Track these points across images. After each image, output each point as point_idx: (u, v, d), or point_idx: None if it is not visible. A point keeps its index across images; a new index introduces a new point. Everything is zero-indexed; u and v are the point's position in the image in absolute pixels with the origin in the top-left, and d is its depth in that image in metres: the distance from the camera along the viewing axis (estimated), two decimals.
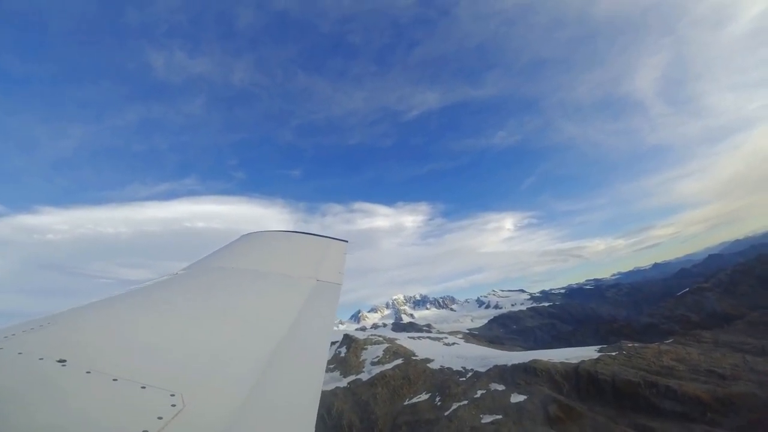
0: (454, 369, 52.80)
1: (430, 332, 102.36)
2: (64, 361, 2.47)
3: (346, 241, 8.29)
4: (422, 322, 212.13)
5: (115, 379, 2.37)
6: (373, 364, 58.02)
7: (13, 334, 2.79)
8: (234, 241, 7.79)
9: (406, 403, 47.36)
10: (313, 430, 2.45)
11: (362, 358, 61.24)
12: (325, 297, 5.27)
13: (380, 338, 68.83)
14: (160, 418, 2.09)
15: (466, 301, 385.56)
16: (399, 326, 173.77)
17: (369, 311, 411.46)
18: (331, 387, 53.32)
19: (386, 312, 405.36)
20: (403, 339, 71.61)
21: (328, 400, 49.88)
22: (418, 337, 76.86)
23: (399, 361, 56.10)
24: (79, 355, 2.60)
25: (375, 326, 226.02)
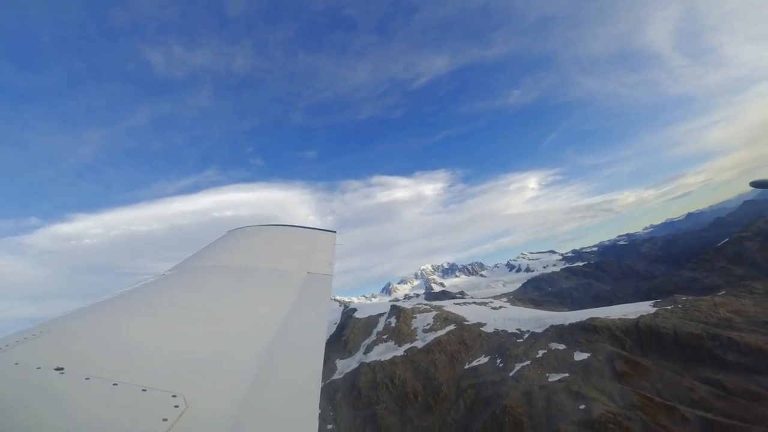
0: (509, 331, 54.58)
1: (464, 299, 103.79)
2: (62, 368, 2.55)
3: (335, 232, 8.55)
4: (453, 290, 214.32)
5: (115, 384, 2.45)
6: (425, 331, 60.32)
7: (8, 345, 2.85)
8: (220, 238, 8.06)
9: (466, 367, 49.58)
10: (317, 419, 2.59)
11: (413, 326, 63.59)
12: (318, 288, 5.48)
13: (427, 306, 71.07)
14: (165, 419, 2.18)
15: (496, 266, 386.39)
16: (431, 295, 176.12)
17: (398, 283, 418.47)
18: (388, 356, 56.06)
19: (416, 282, 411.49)
20: (450, 305, 73.66)
21: (389, 369, 52.61)
22: (463, 303, 78.79)
23: (451, 327, 58.26)
24: (76, 362, 2.68)
25: (407, 297, 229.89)
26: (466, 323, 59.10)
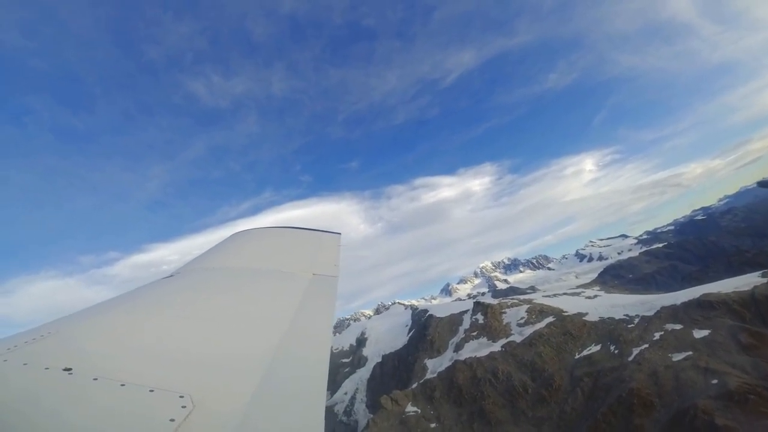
0: (617, 318, 54.48)
1: (535, 294, 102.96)
2: (70, 369, 2.65)
3: (339, 234, 8.93)
4: (521, 286, 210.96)
5: (123, 384, 2.56)
6: (520, 325, 61.31)
7: (16, 346, 2.98)
8: (226, 240, 8.43)
9: (577, 356, 50.23)
10: (323, 420, 2.70)
11: (505, 321, 64.65)
12: (323, 290, 5.70)
13: (516, 301, 71.69)
14: (172, 420, 2.27)
15: (564, 257, 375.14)
16: (498, 293, 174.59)
17: (458, 283, 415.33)
18: (484, 352, 57.60)
19: (477, 281, 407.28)
20: (539, 298, 73.91)
21: (488, 365, 54.13)
22: (554, 295, 78.73)
23: (550, 319, 58.90)
24: (84, 363, 2.79)
25: (470, 296, 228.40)
26: (566, 314, 59.46)
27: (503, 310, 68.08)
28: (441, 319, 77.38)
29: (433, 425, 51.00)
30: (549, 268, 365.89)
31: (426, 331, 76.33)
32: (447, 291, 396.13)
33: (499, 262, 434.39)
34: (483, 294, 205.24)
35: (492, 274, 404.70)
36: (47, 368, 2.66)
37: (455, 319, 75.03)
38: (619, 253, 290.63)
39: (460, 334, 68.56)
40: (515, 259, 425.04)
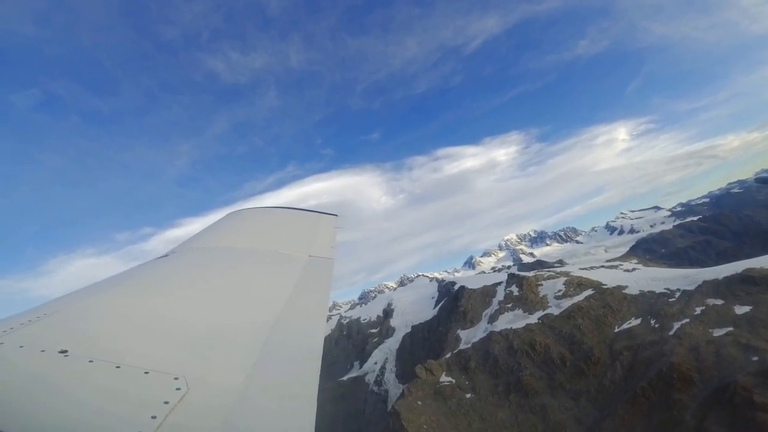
0: (657, 291, 55.63)
1: (564, 267, 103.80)
2: (66, 351, 2.72)
3: (336, 215, 9.12)
4: (549, 260, 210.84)
5: (118, 366, 2.62)
6: (557, 298, 62.81)
7: (12, 328, 3.04)
8: (221, 220, 8.57)
9: (617, 330, 51.60)
10: (315, 401, 2.79)
11: (542, 293, 66.31)
12: (319, 272, 5.82)
13: (553, 273, 73.22)
14: (166, 402, 2.34)
15: (593, 229, 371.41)
16: (524, 266, 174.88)
17: (482, 256, 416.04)
18: (520, 324, 59.37)
19: (501, 254, 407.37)
20: (576, 271, 75.28)
21: (525, 337, 55.93)
22: (591, 268, 79.92)
23: (589, 292, 60.06)
24: (80, 345, 2.86)
25: (494, 269, 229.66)
26: (605, 287, 60.65)
27: (539, 283, 69.30)
28: (473, 290, 79.32)
29: (468, 395, 53.15)
30: (577, 241, 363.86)
31: (458, 302, 78.60)
32: (470, 264, 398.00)
33: (524, 235, 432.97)
34: (508, 267, 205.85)
35: (517, 247, 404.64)
36: (43, 351, 2.74)
37: (488, 291, 76.91)
38: (651, 226, 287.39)
39: (494, 306, 70.27)
40: (542, 232, 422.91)
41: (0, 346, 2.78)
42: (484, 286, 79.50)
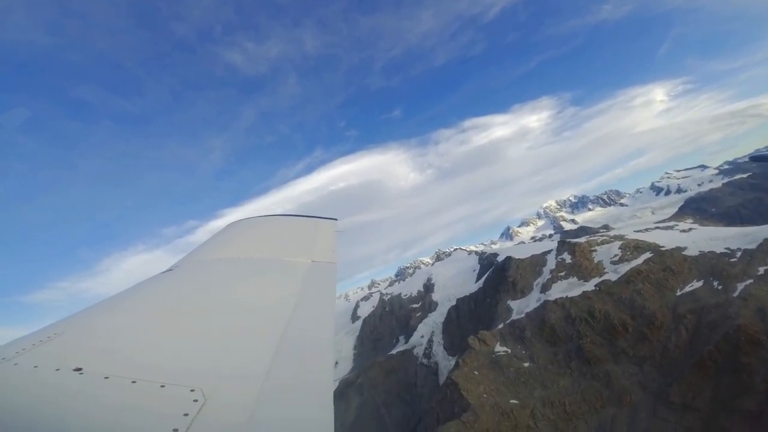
0: (717, 252, 55.76)
1: (616, 231, 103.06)
2: (81, 369, 2.82)
3: (335, 219, 9.53)
4: (593, 225, 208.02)
5: (134, 381, 2.73)
6: (613, 263, 63.43)
7: (24, 348, 3.13)
8: (222, 231, 8.88)
9: (678, 293, 52.33)
10: (332, 406, 2.88)
11: (596, 259, 67.00)
12: (323, 276, 6.05)
13: (606, 237, 73.61)
14: (186, 414, 2.45)
15: (638, 191, 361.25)
16: (567, 234, 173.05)
17: (519, 226, 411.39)
18: (576, 292, 60.49)
19: (540, 223, 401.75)
20: (631, 233, 75.43)
21: (583, 304, 57.11)
22: (645, 230, 79.79)
23: (647, 255, 60.48)
24: (94, 362, 2.95)
25: (534, 239, 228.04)
26: (663, 249, 60.83)
27: (593, 248, 69.93)
28: (521, 260, 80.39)
29: (526, 364, 54.95)
30: (622, 204, 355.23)
31: (505, 273, 79.96)
32: (508, 235, 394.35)
33: (564, 201, 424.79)
34: (550, 236, 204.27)
35: (557, 214, 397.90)
36: (58, 369, 2.81)
37: (538, 260, 77.89)
38: (699, 185, 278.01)
39: (546, 275, 71.36)
40: (583, 197, 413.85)
41: (15, 366, 2.87)
42: (533, 256, 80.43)
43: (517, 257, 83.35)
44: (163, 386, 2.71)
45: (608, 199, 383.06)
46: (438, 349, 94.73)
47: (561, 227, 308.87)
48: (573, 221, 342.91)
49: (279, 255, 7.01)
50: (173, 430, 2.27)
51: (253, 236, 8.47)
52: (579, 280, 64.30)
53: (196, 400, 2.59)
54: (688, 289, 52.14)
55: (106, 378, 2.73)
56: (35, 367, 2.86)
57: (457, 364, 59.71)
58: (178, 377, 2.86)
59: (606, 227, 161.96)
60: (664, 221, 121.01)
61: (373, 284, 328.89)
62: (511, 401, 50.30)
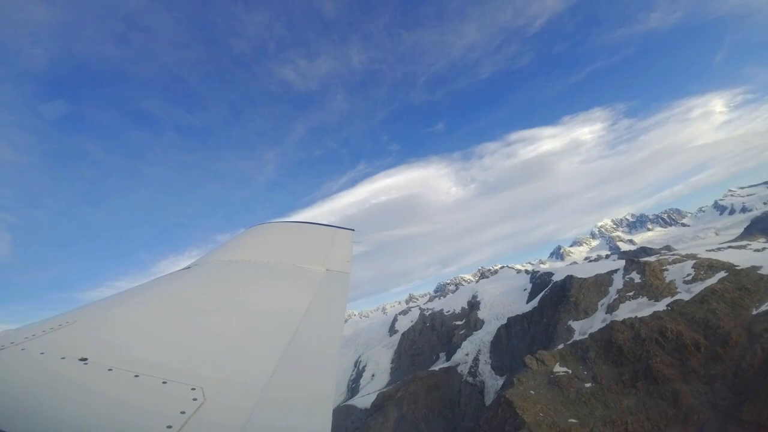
0: None
1: (680, 252, 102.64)
2: (86, 359, 3.01)
3: (353, 230, 9.92)
4: (654, 246, 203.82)
5: (136, 375, 2.91)
6: (686, 282, 64.09)
7: (34, 335, 3.38)
8: (241, 234, 9.39)
9: (755, 312, 53.06)
10: (330, 416, 3.06)
11: (668, 279, 67.69)
12: (336, 286, 6.28)
13: (678, 256, 74.24)
14: (182, 412, 2.57)
15: (701, 210, 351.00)
16: (626, 254, 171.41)
17: (571, 245, 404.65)
18: (646, 312, 61.20)
19: (594, 243, 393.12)
20: (703, 252, 75.87)
21: (653, 324, 57.80)
22: (717, 249, 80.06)
23: (722, 274, 60.99)
24: (100, 353, 3.17)
25: (588, 260, 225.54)
26: (738, 268, 61.22)
27: (664, 267, 70.49)
28: (584, 280, 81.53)
29: (588, 384, 55.82)
30: (683, 224, 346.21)
31: (566, 293, 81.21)
32: (558, 255, 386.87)
33: (621, 220, 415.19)
34: (607, 257, 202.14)
35: (613, 234, 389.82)
36: (63, 358, 3.01)
37: (602, 280, 78.69)
38: (765, 203, 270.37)
39: (612, 295, 72.27)
40: (641, 215, 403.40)
41: (22, 352, 3.05)
42: (597, 275, 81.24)
43: (579, 276, 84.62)
44: (164, 382, 2.87)
45: (669, 218, 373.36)
46: (485, 368, 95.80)
47: (618, 248, 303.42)
48: (631, 241, 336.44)
49: (294, 261, 7.38)
50: (167, 426, 2.39)
51: (271, 241, 9.01)
52: (649, 300, 65.01)
53: (195, 399, 2.73)
54: (764, 308, 52.52)
55: (109, 370, 2.92)
56: (42, 353, 3.06)
57: (511, 383, 61.30)
58: (181, 375, 3.03)
59: (668, 248, 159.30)
60: (728, 242, 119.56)
61: (411, 299, 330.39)
62: (570, 420, 51.58)
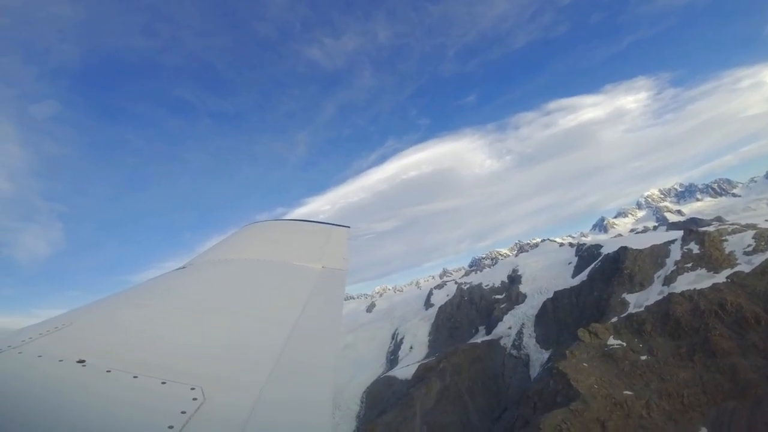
0: None
1: (733, 223, 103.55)
2: (84, 361, 3.11)
3: (348, 227, 10.30)
4: (704, 217, 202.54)
5: (135, 377, 3.01)
6: (747, 254, 66.30)
7: (31, 338, 3.50)
8: (237, 232, 9.69)
9: None
10: (330, 414, 3.20)
11: (728, 250, 69.84)
12: (332, 283, 6.58)
13: (738, 226, 75.86)
14: (183, 412, 2.65)
15: (753, 180, 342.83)
16: (675, 225, 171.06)
17: (615, 216, 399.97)
18: (705, 284, 63.51)
19: (640, 214, 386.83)
20: (762, 222, 77.25)
21: (713, 297, 60.23)
22: None
23: None
24: (98, 355, 3.28)
25: (633, 231, 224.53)
26: None
27: (723, 238, 72.43)
28: (639, 251, 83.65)
29: (643, 357, 58.85)
30: (734, 194, 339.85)
31: (620, 265, 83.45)
32: (602, 227, 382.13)
33: (669, 190, 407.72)
34: (654, 228, 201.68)
35: (660, 204, 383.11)
36: (61, 360, 3.12)
37: (659, 251, 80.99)
38: None
39: (670, 267, 74.46)
40: (690, 185, 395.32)
41: (19, 355, 3.20)
42: (653, 246, 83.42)
43: (633, 248, 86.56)
44: (164, 383, 3.01)
45: (719, 188, 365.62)
46: (529, 342, 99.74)
47: (665, 219, 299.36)
48: (679, 212, 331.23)
49: (290, 259, 7.70)
50: (169, 427, 2.50)
51: (266, 239, 9.32)
52: (708, 271, 67.01)
53: (195, 399, 2.85)
54: None
55: (107, 371, 3.04)
56: (39, 356, 3.20)
57: (563, 356, 64.31)
58: (180, 375, 3.17)
59: (719, 219, 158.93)
60: None
61: (445, 273, 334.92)
62: (625, 392, 54.54)
